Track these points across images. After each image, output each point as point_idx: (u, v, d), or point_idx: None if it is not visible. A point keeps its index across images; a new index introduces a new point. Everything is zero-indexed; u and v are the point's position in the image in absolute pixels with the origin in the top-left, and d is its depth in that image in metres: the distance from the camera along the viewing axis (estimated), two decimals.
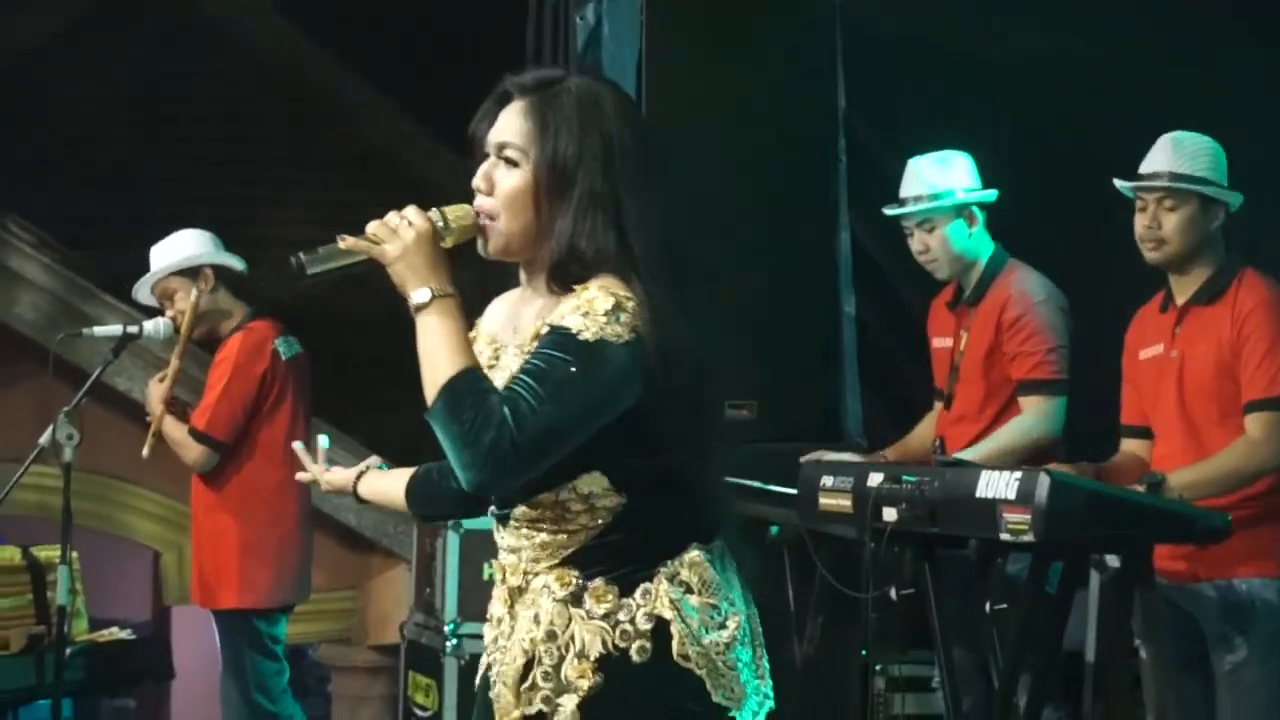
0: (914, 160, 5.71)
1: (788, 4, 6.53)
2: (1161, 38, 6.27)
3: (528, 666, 3.04)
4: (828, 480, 4.82)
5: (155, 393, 6.36)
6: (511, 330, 3.13)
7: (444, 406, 2.87)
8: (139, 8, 9.92)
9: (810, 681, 5.56)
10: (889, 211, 5.75)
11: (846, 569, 4.85)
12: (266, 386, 6.30)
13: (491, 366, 3.10)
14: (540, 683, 3.02)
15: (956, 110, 6.38)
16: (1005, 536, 4.21)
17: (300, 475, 3.92)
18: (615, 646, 2.99)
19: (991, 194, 5.68)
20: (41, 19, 9.80)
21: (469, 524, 6.31)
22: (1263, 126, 5.78)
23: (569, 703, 2.99)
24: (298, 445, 3.98)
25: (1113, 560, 4.62)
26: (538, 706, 3.02)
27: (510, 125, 3.06)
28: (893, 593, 4.71)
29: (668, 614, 2.99)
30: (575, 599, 3.02)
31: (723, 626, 3.04)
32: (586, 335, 2.89)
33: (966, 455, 5.15)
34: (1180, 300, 4.90)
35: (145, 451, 6.35)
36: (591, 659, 2.99)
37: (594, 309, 2.91)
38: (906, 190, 5.71)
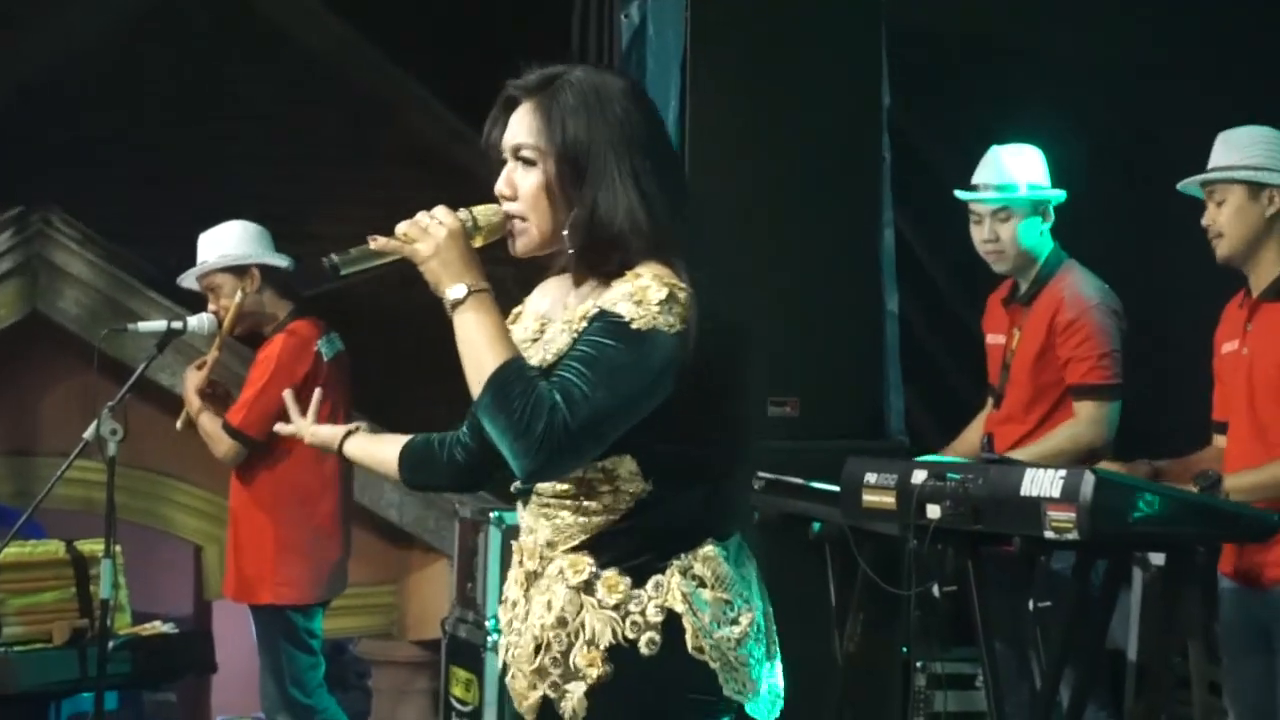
0: (996, 148, 5.68)
1: (832, 1, 6.51)
2: (1210, 30, 6.23)
3: (537, 651, 3.05)
4: (871, 477, 4.82)
5: (191, 380, 6.39)
6: (561, 308, 3.15)
7: (492, 398, 2.89)
8: (190, 4, 9.96)
9: (851, 678, 5.55)
10: (962, 194, 5.70)
11: (889, 566, 4.84)
12: (307, 388, 6.32)
13: (535, 339, 3.12)
14: (549, 668, 3.04)
15: (1001, 108, 6.36)
16: (1050, 534, 4.20)
17: (281, 427, 3.89)
18: (625, 638, 3.00)
19: (1062, 194, 5.66)
20: (92, 16, 9.83)
21: (511, 519, 6.31)
22: None
23: (577, 689, 3.01)
24: (287, 393, 3.93)
25: (1157, 559, 4.60)
26: (544, 691, 3.04)
27: (520, 126, 3.10)
28: (935, 590, 4.70)
29: (679, 607, 3.00)
30: (588, 587, 3.03)
31: (735, 622, 3.05)
32: (640, 324, 2.92)
33: (1017, 458, 5.12)
34: (1255, 294, 4.83)
35: (178, 425, 6.41)
36: (601, 648, 3.00)
37: (647, 298, 2.94)
38: (985, 177, 5.66)
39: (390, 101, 10.23)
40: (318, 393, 3.92)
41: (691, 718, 3.04)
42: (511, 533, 6.34)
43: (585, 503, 3.03)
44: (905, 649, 4.96)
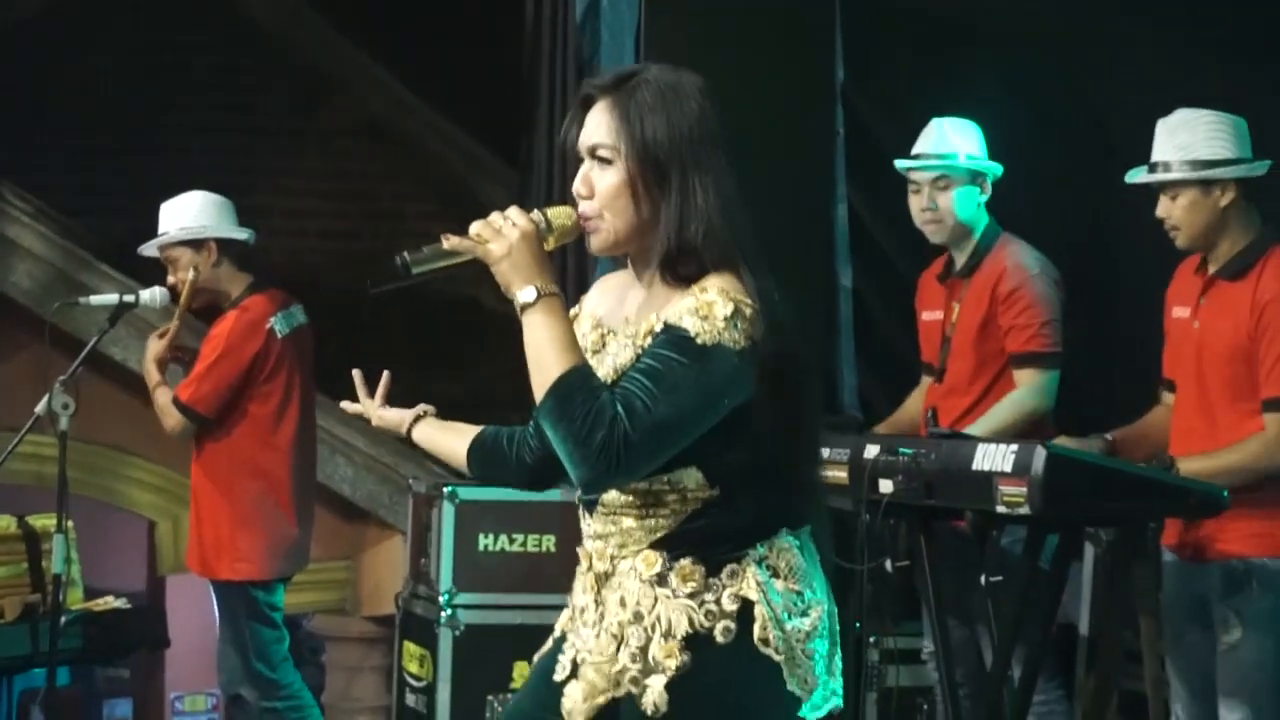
0: (936, 120, 5.71)
1: None
2: (1168, 8, 6.24)
3: (619, 649, 3.05)
4: (824, 452, 4.82)
5: (152, 349, 6.37)
6: (622, 318, 3.14)
7: (554, 404, 2.89)
8: None
9: None
10: (901, 164, 5.73)
11: (841, 541, 4.85)
12: (258, 365, 6.29)
13: (597, 351, 3.12)
14: (629, 664, 3.03)
15: (955, 83, 6.37)
16: (1001, 509, 4.22)
17: (348, 405, 3.77)
18: (701, 626, 3.00)
19: (999, 168, 5.69)
20: None
21: (465, 494, 6.31)
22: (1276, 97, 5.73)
23: (657, 683, 3.00)
24: (356, 373, 3.82)
25: (1108, 533, 4.63)
26: (626, 688, 3.03)
27: (598, 126, 3.08)
28: (888, 564, 4.72)
29: (753, 595, 3.01)
30: (661, 579, 3.04)
31: (805, 614, 3.06)
32: (705, 339, 2.92)
33: (969, 431, 5.14)
34: (1211, 269, 4.84)
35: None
36: (679, 638, 3.00)
37: (713, 313, 2.93)
38: (924, 147, 5.71)
39: (338, 73, 10.18)
40: (385, 375, 3.78)
41: (758, 709, 3.04)
42: (466, 509, 6.36)
43: (654, 510, 3.04)
44: (858, 624, 4.98)
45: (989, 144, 5.73)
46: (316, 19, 10.10)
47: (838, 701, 3.13)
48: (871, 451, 4.62)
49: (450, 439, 3.57)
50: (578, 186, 3.10)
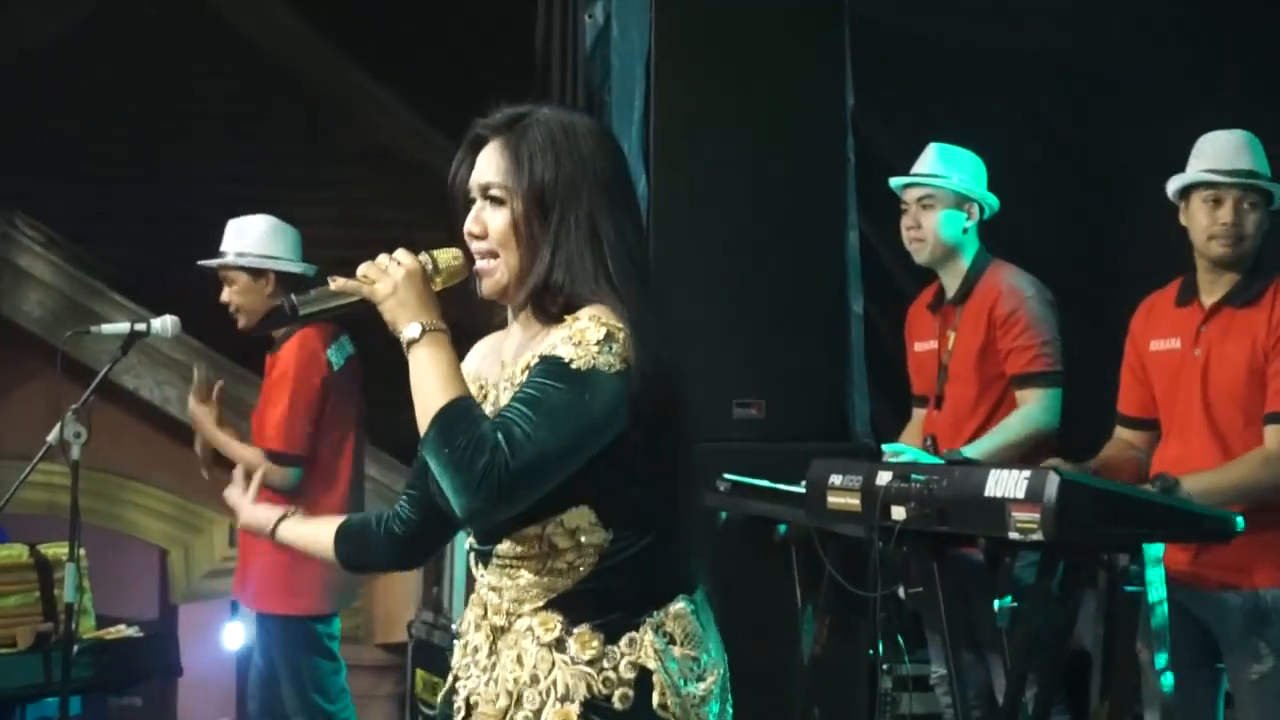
0: (933, 144, 5.76)
1: (797, 2, 6.52)
2: (1173, 32, 6.25)
3: (510, 705, 3.05)
4: (836, 479, 4.81)
5: (204, 417, 6.35)
6: (499, 366, 3.15)
7: (436, 435, 2.89)
8: (145, 5, 9.93)
9: (817, 680, 5.55)
10: (893, 182, 5.79)
11: (854, 568, 4.85)
12: (321, 397, 6.30)
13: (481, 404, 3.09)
14: None
15: (966, 109, 6.38)
16: (1014, 535, 4.20)
17: (227, 493, 3.79)
18: (599, 692, 3.00)
19: (994, 201, 5.72)
20: (46, 17, 9.81)
21: None
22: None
23: None
24: (236, 470, 3.85)
25: (1122, 560, 4.61)
26: None
27: (489, 165, 3.10)
28: (901, 591, 4.71)
29: (651, 664, 3.01)
30: (559, 644, 3.03)
31: (701, 679, 3.08)
32: (579, 364, 2.92)
33: (968, 452, 5.15)
34: (1209, 299, 4.87)
35: (204, 473, 6.38)
36: (576, 703, 3.00)
37: (586, 339, 2.94)
38: (917, 168, 5.78)
39: (346, 99, 10.21)
40: (256, 479, 3.81)
41: None
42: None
43: (549, 562, 3.03)
44: (871, 651, 4.97)
45: (997, 170, 5.76)
46: (325, 45, 10.13)
47: None
48: (884, 478, 4.61)
49: (315, 531, 3.55)
50: (469, 226, 3.11)
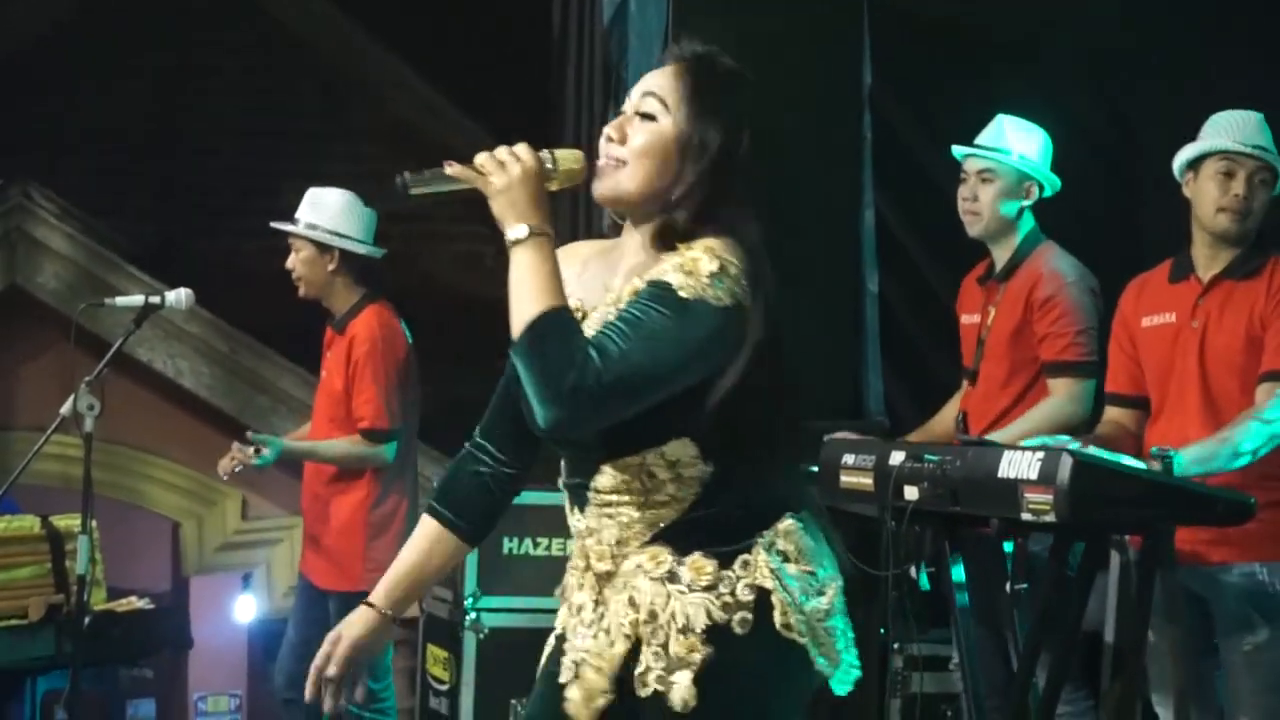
0: (1002, 116, 5.69)
1: None
2: (1190, 18, 6.23)
3: (635, 651, 3.02)
4: (849, 458, 4.81)
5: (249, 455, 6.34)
6: (602, 289, 3.12)
7: (527, 342, 2.85)
8: None
9: None
10: (957, 150, 5.72)
11: (867, 547, 4.83)
12: (407, 367, 6.33)
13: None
14: (651, 664, 3.00)
15: (983, 89, 6.34)
16: (1027, 516, 4.20)
17: None
18: (719, 618, 2.97)
19: (1055, 180, 5.66)
20: None
21: None
22: None
23: (684, 679, 2.97)
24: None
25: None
26: (652, 687, 2.99)
27: (661, 81, 3.11)
28: (913, 571, 4.70)
29: (769, 584, 2.99)
30: (672, 577, 3.01)
31: (821, 593, 3.05)
32: (686, 293, 2.90)
33: (995, 438, 5.12)
34: (1208, 273, 4.89)
35: (222, 473, 6.42)
36: (698, 632, 2.97)
37: (698, 269, 2.93)
38: (982, 139, 5.69)
39: (366, 76, 10.20)
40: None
41: (788, 694, 3.03)
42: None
43: (651, 496, 3.01)
44: (883, 630, 4.96)
45: None
46: (345, 21, 10.12)
47: (857, 673, 3.13)
48: (897, 458, 4.60)
49: (419, 548, 3.43)
50: (609, 130, 3.10)
